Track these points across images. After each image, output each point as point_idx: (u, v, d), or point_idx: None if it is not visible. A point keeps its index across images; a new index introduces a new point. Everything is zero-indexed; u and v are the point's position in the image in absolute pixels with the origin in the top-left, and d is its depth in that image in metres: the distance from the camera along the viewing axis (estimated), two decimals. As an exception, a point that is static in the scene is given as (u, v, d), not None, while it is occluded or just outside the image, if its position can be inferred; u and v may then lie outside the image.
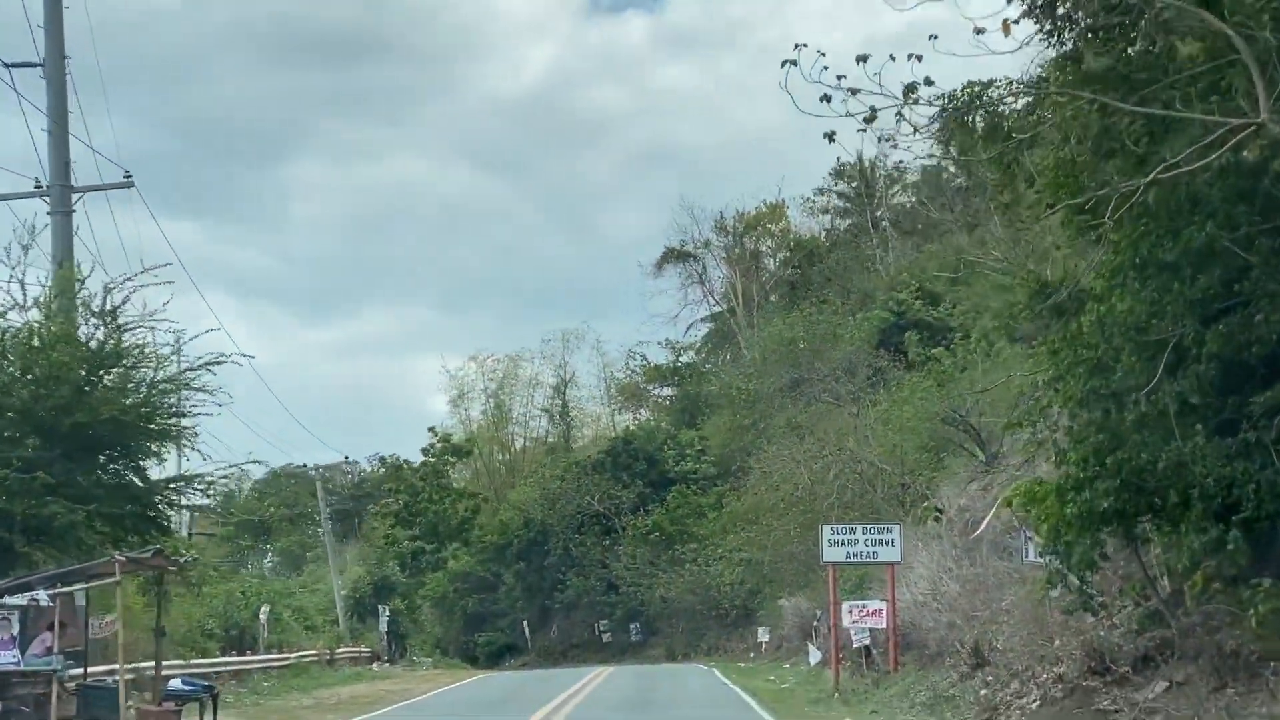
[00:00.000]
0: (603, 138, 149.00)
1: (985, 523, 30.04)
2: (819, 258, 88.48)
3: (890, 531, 29.99)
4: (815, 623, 41.70)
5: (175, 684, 25.71)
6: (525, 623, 79.52)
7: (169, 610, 37.16)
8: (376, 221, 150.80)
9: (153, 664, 27.43)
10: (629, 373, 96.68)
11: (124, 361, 27.50)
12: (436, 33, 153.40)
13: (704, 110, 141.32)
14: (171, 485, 29.48)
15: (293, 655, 43.84)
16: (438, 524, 69.51)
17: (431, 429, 71.16)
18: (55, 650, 23.12)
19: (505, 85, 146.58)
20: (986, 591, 26.55)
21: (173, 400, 28.09)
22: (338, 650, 48.89)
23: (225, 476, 30.06)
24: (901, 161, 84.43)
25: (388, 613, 54.91)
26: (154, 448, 28.29)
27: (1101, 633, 19.39)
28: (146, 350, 27.77)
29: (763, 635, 56.13)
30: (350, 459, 55.12)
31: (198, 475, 29.65)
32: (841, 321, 69.48)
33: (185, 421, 28.63)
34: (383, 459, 71.32)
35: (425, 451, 71.82)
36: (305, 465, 56.04)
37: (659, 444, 78.57)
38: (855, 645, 30.86)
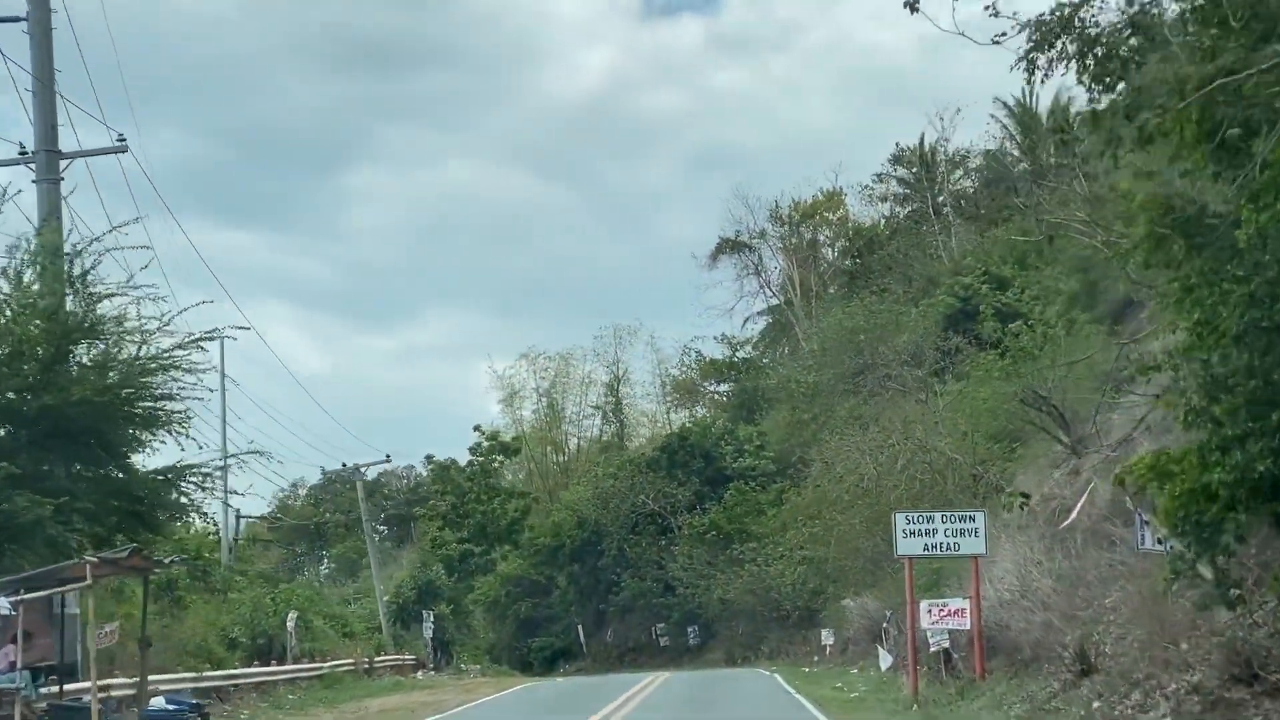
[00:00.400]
0: (658, 141, 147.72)
1: (1077, 509, 26.68)
2: (879, 245, 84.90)
3: (973, 520, 26.52)
4: (885, 624, 38.42)
5: (158, 702, 22.79)
6: (580, 627, 76.65)
7: (183, 618, 34.44)
8: (434, 228, 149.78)
9: (156, 676, 24.64)
10: (684, 369, 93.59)
11: (100, 335, 24.37)
12: (492, 39, 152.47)
13: (759, 112, 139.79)
14: (161, 477, 26.33)
15: (325, 665, 40.88)
16: (486, 525, 66.39)
17: (477, 427, 68.05)
18: (20, 665, 20.26)
19: (561, 90, 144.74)
20: (1087, 587, 23.22)
21: (160, 380, 24.95)
22: (376, 659, 45.91)
23: (221, 468, 26.99)
24: (962, 148, 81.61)
25: (431, 618, 52.01)
26: (138, 435, 25.20)
27: (1241, 633, 16.08)
28: (127, 323, 24.56)
29: (827, 638, 53.01)
30: (390, 458, 52.27)
31: (190, 466, 26.49)
32: (904, 310, 66.19)
33: (175, 406, 25.43)
34: (429, 459, 68.18)
35: (472, 450, 68.58)
36: (345, 465, 52.98)
37: (716, 440, 75.36)
38: (933, 648, 27.50)
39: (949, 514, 27.21)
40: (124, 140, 30.10)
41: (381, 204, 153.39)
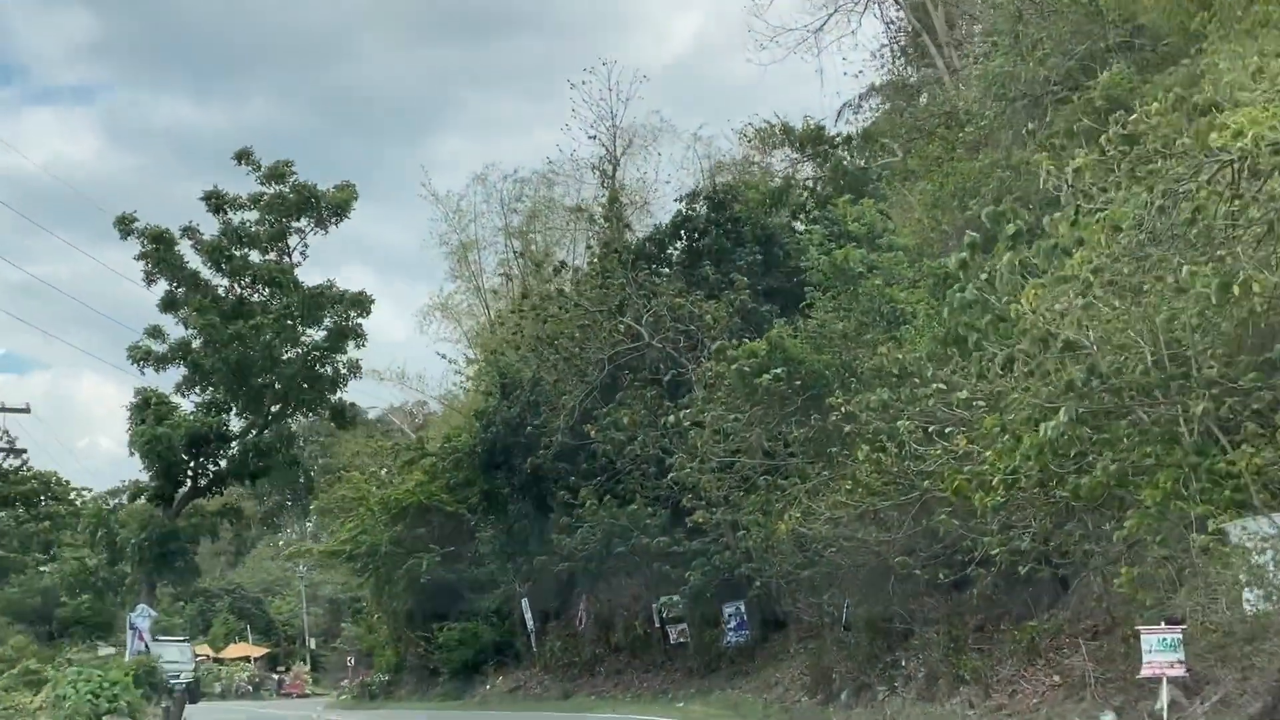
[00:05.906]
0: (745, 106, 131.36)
1: None
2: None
3: None
4: None
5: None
6: (525, 602, 38.73)
7: None
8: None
9: None
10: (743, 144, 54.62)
11: None
12: (582, 5, 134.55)
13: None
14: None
15: None
16: (254, 363, 27.15)
17: (240, 154, 28.00)
18: None
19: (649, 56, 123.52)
20: None
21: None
22: None
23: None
24: None
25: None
26: None
27: None
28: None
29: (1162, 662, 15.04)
30: None
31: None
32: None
33: None
34: (134, 231, 28.69)
35: (213, 204, 28.21)
36: None
37: (789, 215, 36.76)
38: None
39: None
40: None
41: (467, 171, 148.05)
